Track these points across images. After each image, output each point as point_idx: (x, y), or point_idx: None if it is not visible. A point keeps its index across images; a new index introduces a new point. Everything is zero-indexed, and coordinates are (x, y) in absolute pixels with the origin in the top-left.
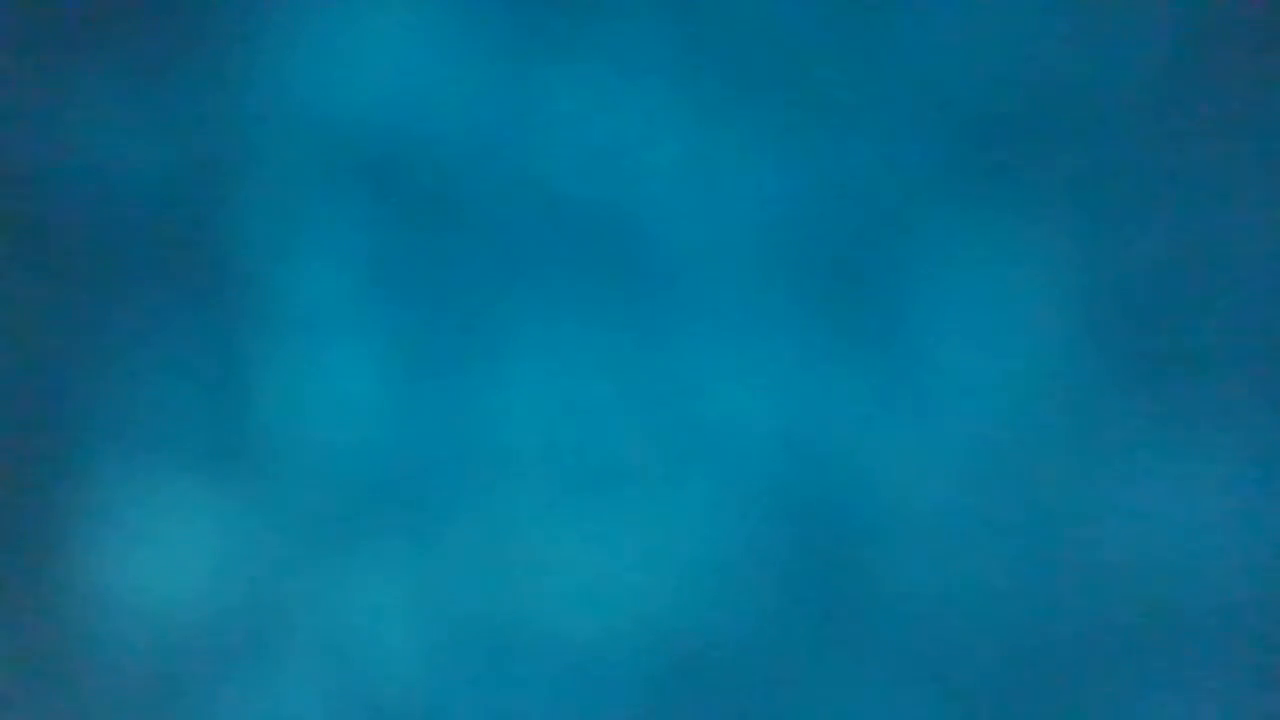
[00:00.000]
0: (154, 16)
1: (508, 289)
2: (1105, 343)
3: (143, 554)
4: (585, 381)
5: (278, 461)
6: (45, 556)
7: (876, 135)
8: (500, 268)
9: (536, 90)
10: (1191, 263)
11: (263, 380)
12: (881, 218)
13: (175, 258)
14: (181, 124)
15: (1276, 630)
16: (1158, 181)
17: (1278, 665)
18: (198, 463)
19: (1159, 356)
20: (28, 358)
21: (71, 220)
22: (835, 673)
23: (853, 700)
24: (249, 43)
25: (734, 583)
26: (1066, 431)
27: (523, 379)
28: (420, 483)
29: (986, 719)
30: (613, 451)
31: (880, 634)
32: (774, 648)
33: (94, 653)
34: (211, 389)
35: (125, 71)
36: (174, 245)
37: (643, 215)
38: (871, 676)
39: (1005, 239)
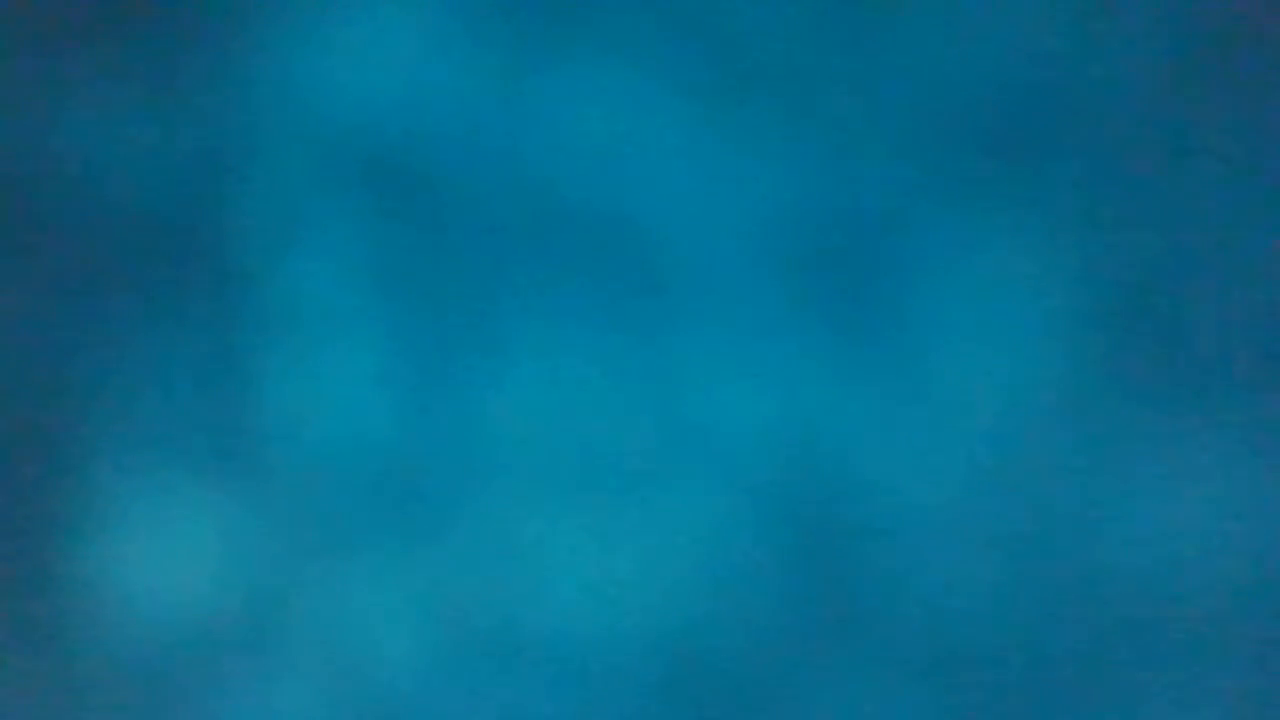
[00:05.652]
0: (154, 15)
1: (508, 289)
2: (1104, 345)
3: (142, 554)
4: (585, 381)
5: (277, 460)
6: (44, 556)
7: (875, 135)
8: (500, 267)
9: (537, 90)
10: (1191, 265)
11: (262, 379)
12: (881, 218)
13: (174, 257)
14: (181, 123)
15: (1276, 631)
16: (1157, 183)
17: (1277, 666)
18: (197, 462)
19: (1158, 358)
20: (27, 357)
21: (71, 218)
22: (835, 672)
23: (853, 700)
24: (250, 41)
25: (734, 582)
26: (1066, 432)
27: (522, 378)
28: (420, 482)
29: (986, 718)
30: (612, 451)
31: (880, 634)
32: (774, 648)
33: (94, 652)
34: (210, 388)
35: (124, 70)
36: (173, 244)
37: (642, 215)
38: (872, 676)
39: (1006, 240)
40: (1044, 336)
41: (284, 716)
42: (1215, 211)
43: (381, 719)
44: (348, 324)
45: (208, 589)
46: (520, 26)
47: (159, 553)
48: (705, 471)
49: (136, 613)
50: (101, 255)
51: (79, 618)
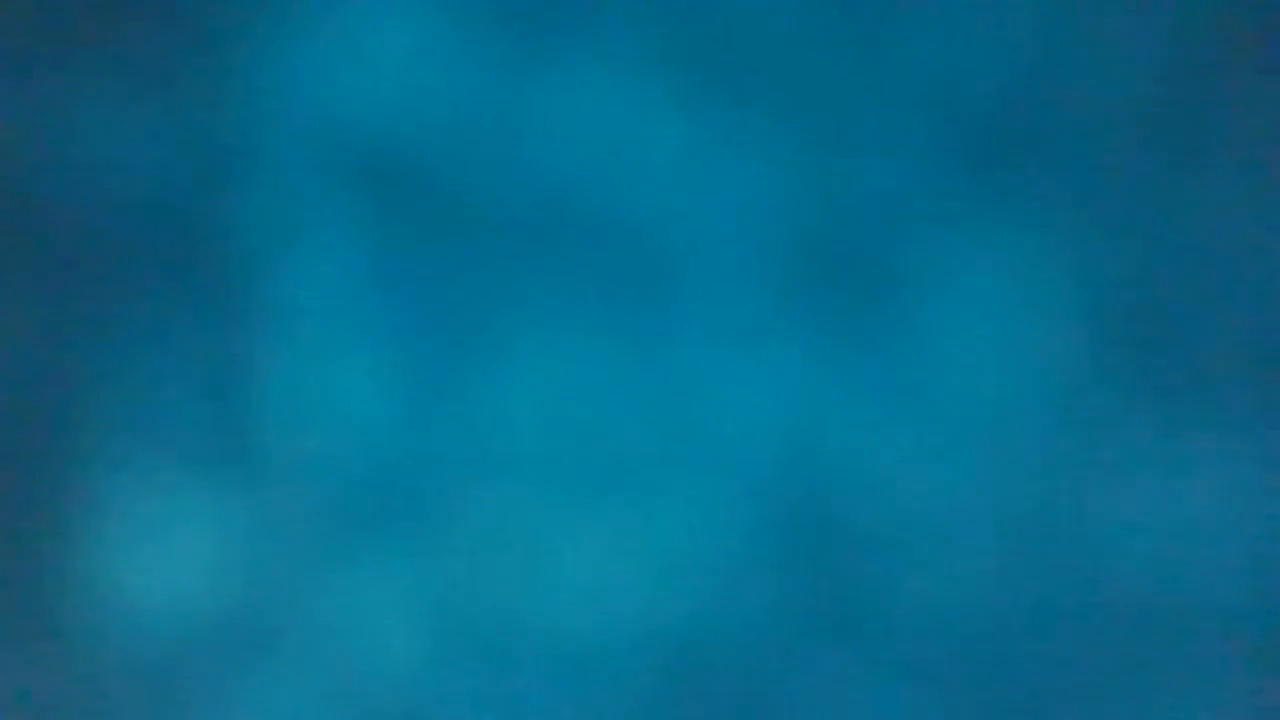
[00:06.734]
0: (156, 18)
1: (509, 292)
2: (1105, 350)
3: (143, 555)
4: (586, 383)
5: (278, 463)
6: (45, 558)
7: (877, 140)
8: (501, 270)
9: (538, 93)
10: (1191, 270)
11: (263, 382)
12: (883, 222)
13: (176, 259)
14: (182, 126)
15: (1273, 634)
16: (1158, 190)
17: (1274, 669)
18: (199, 464)
19: (1158, 363)
20: (28, 358)
21: (72, 221)
22: (834, 671)
23: (851, 697)
24: (251, 44)
25: (735, 584)
26: (1064, 435)
27: (524, 380)
28: (421, 483)
29: (983, 718)
30: (614, 454)
31: (879, 633)
32: (774, 647)
33: (94, 654)
34: (212, 390)
35: (126, 74)
36: (175, 246)
37: (644, 218)
38: (870, 675)
39: (1007, 246)
40: (1042, 340)
41: (285, 716)
42: (1212, 216)
43: (382, 718)
44: (349, 324)
45: (208, 589)
46: (521, 28)
47: (160, 553)
48: (705, 472)
49: (137, 613)
50: (103, 256)
51: (79, 618)
